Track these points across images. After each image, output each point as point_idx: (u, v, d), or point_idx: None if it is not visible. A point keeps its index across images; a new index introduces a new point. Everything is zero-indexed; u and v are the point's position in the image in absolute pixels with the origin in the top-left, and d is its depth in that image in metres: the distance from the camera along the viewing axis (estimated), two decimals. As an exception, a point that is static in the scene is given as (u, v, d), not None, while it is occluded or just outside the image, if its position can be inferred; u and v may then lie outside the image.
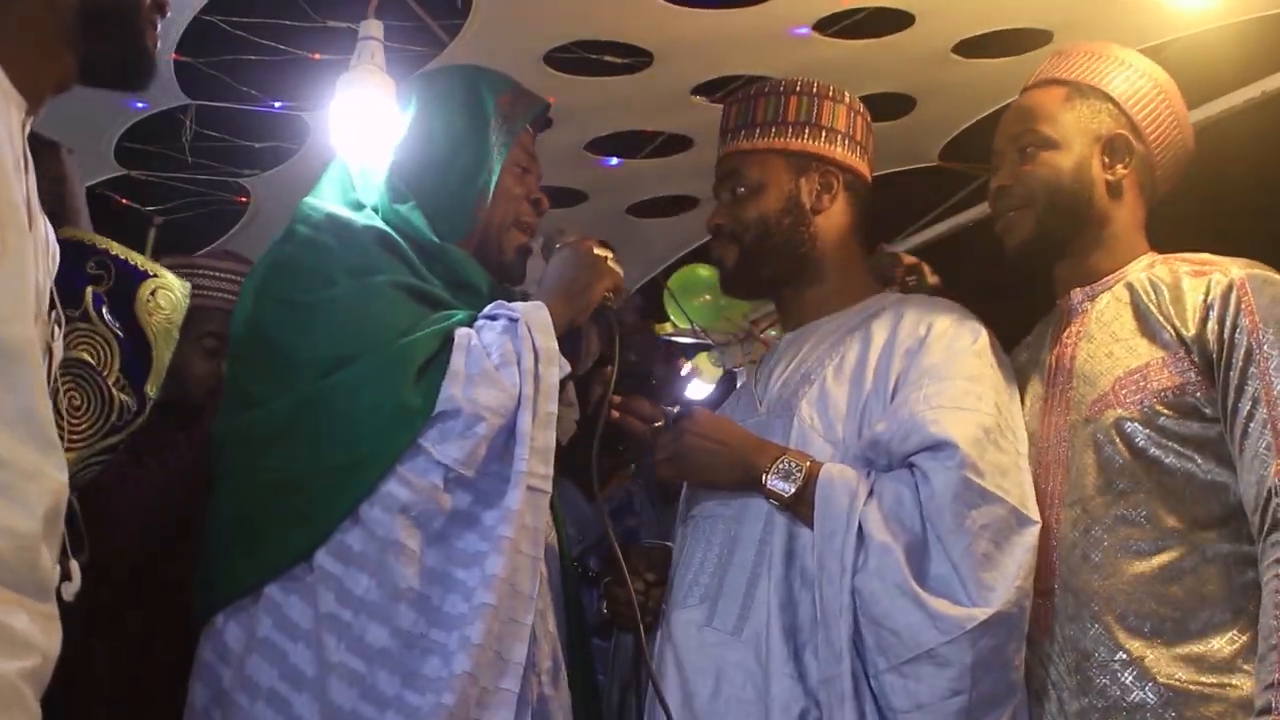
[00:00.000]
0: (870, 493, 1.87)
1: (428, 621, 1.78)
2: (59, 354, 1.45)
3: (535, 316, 1.92)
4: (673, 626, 1.97)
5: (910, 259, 2.25)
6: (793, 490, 1.91)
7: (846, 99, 2.18)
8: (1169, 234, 2.05)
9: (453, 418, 1.83)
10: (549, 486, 1.86)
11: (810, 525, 1.90)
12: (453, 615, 1.78)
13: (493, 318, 1.93)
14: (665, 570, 2.05)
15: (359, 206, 2.05)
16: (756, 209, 2.10)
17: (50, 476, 1.17)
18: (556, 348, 1.92)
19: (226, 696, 1.82)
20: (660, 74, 3.17)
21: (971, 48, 3.05)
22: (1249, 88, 3.09)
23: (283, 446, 1.86)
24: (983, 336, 2.01)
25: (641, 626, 1.97)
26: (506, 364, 1.87)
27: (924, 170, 3.74)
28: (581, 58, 3.13)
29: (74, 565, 1.32)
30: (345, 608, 1.78)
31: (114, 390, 1.61)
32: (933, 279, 2.51)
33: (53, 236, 1.41)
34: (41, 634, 1.14)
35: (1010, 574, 1.81)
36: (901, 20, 2.93)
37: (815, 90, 2.15)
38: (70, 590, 1.30)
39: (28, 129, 1.35)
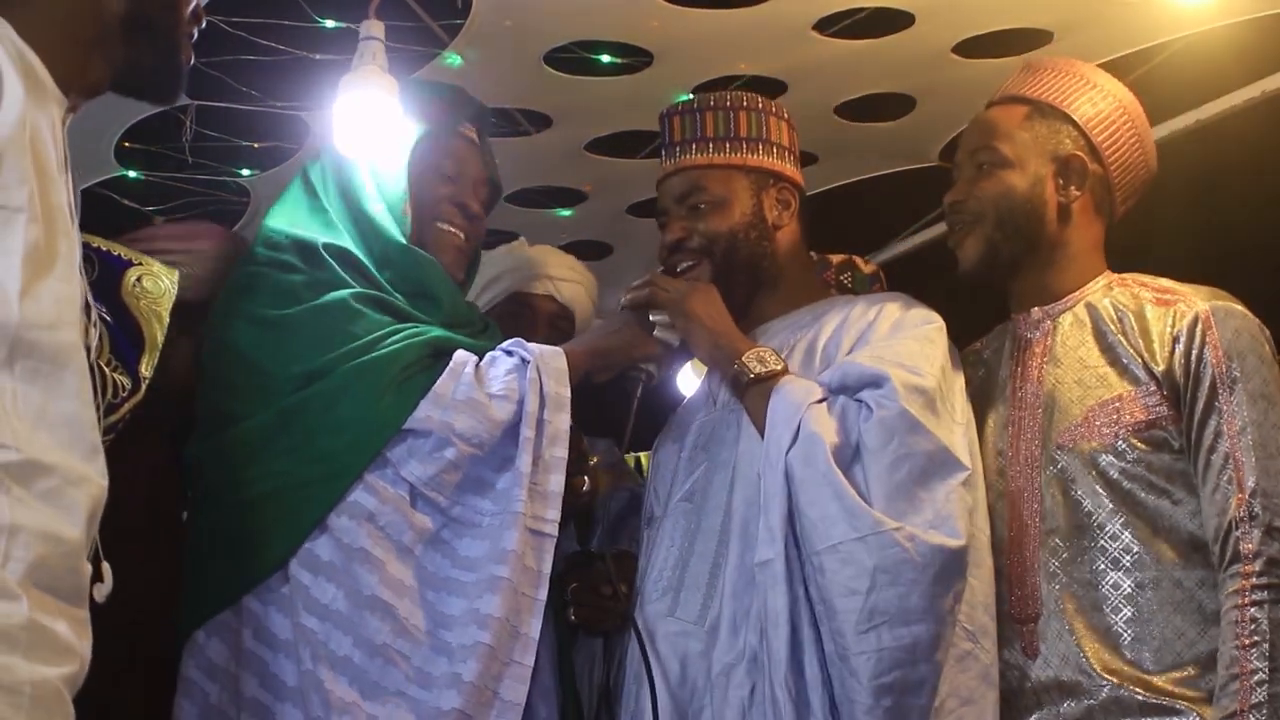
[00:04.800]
0: (823, 399, 1.92)
1: (393, 632, 1.77)
2: (93, 349, 1.46)
3: (550, 362, 1.93)
4: (640, 622, 1.99)
5: (838, 257, 2.30)
6: (761, 372, 1.96)
7: (783, 112, 2.25)
8: (1169, 234, 2.06)
9: (423, 436, 1.84)
10: (555, 530, 1.86)
11: (755, 420, 1.95)
12: (433, 644, 1.78)
13: (509, 353, 1.93)
14: (630, 576, 2.06)
15: (323, 212, 2.07)
16: (726, 223, 2.14)
17: (93, 481, 1.19)
18: (568, 395, 1.91)
19: (215, 711, 1.83)
20: (660, 74, 3.16)
21: (971, 48, 3.04)
22: (1249, 88, 3.08)
23: (260, 462, 1.87)
24: (936, 321, 2.05)
25: (625, 630, 2.00)
26: (503, 399, 1.87)
27: (924, 170, 3.73)
28: (581, 58, 3.12)
29: (105, 566, 1.33)
30: (312, 615, 1.78)
31: (108, 371, 1.62)
32: (868, 268, 2.54)
33: (78, 233, 1.42)
34: (78, 640, 1.16)
35: (926, 513, 1.81)
36: (901, 20, 2.92)
37: (760, 106, 2.22)
38: (102, 592, 1.31)
39: (66, 126, 1.35)
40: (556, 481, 1.88)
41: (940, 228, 4.02)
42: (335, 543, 1.80)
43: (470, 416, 1.84)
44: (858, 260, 2.57)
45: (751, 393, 1.97)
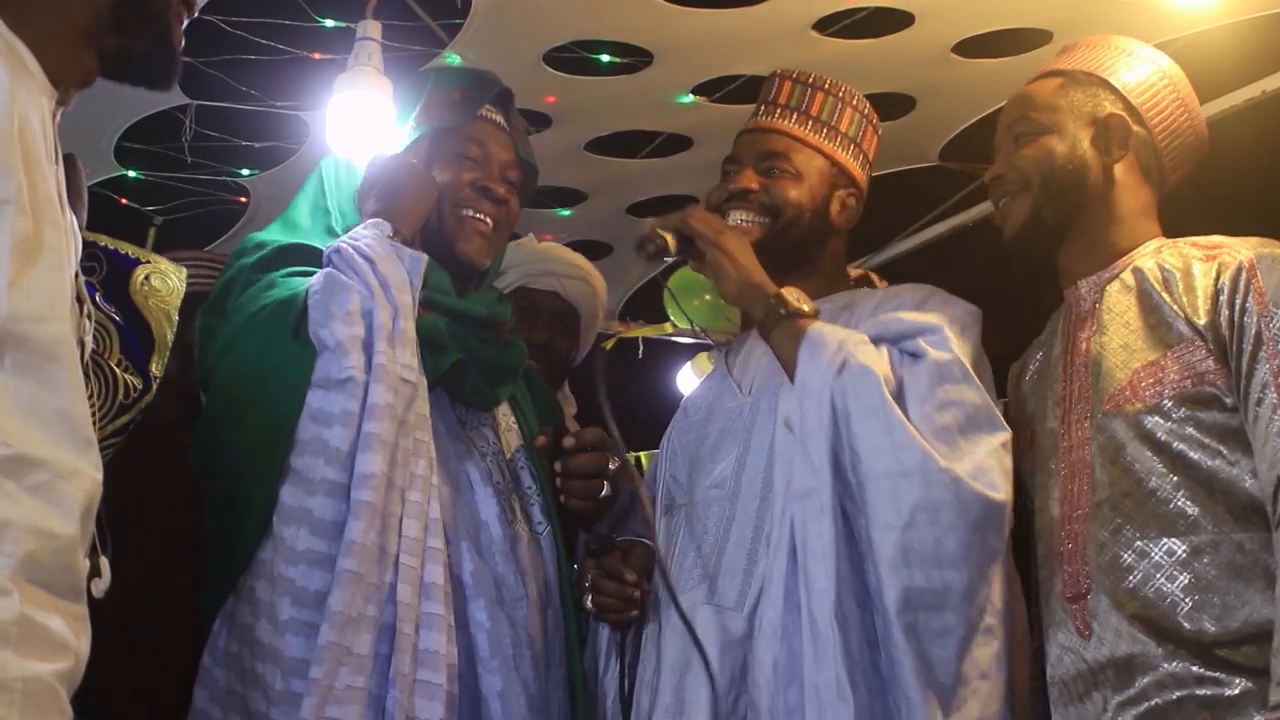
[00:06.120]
0: (864, 343, 1.93)
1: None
2: (89, 345, 1.45)
3: (359, 233, 1.96)
4: (672, 611, 1.98)
5: (856, 271, 2.31)
6: (797, 308, 1.97)
7: (879, 129, 2.29)
8: (1168, 234, 2.05)
9: (327, 338, 1.85)
10: (414, 375, 1.88)
11: (782, 355, 1.96)
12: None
13: (327, 258, 1.95)
14: (643, 567, 2.06)
15: (325, 213, 2.08)
16: (797, 193, 2.16)
17: (86, 475, 1.18)
18: (390, 250, 1.93)
19: (223, 693, 1.84)
20: (660, 74, 3.17)
21: (971, 48, 3.05)
22: (1249, 88, 3.09)
23: (216, 442, 1.89)
24: (975, 310, 2.05)
25: (643, 621, 2.02)
26: (351, 275, 1.89)
27: (924, 170, 3.73)
28: (581, 58, 3.13)
29: (104, 562, 1.32)
30: (291, 565, 1.79)
31: (118, 371, 1.62)
32: (881, 285, 2.57)
33: (77, 226, 1.41)
34: (74, 636, 1.15)
35: (966, 463, 1.81)
36: (901, 20, 2.93)
37: (866, 112, 2.27)
38: (100, 587, 1.30)
39: (58, 119, 1.34)
40: (410, 327, 1.89)
41: (940, 228, 4.04)
42: (302, 483, 1.81)
43: (341, 298, 1.86)
44: (873, 276, 2.59)
45: (783, 327, 1.96)
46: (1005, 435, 1.87)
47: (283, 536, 1.80)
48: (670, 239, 2.06)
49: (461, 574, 1.93)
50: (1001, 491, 1.81)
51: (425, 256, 1.97)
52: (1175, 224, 2.08)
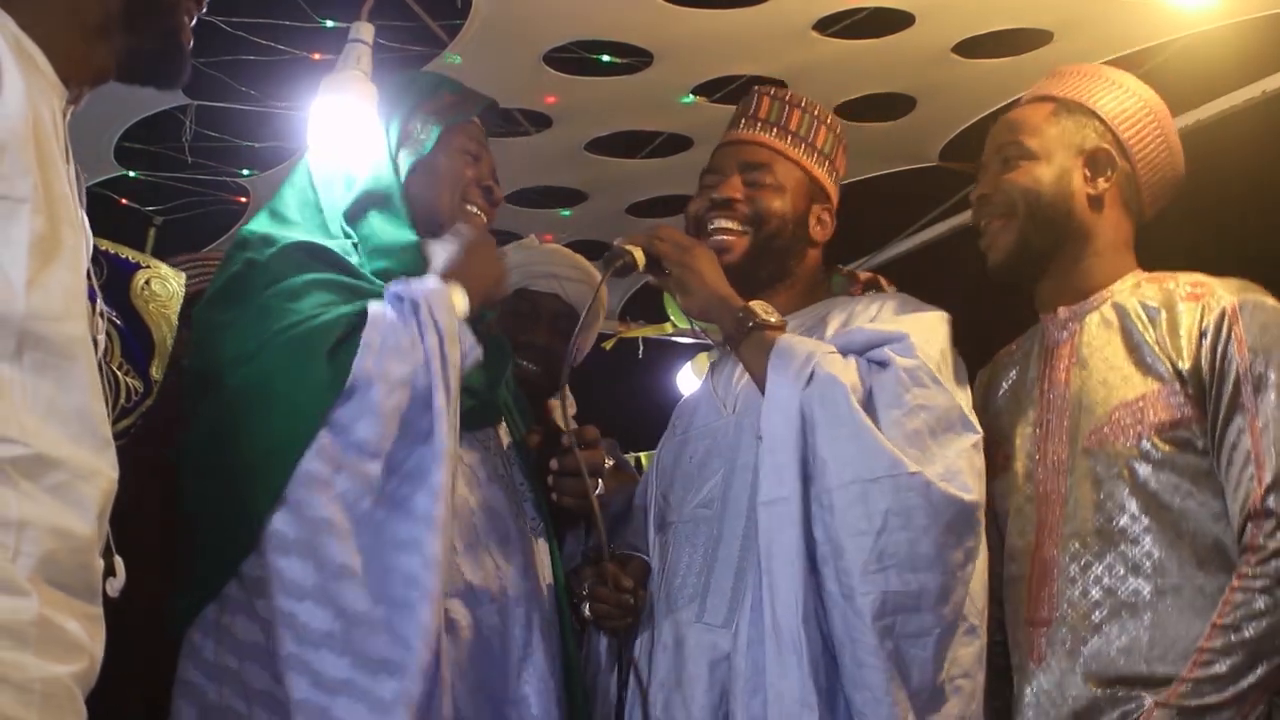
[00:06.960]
0: (833, 352, 1.94)
1: (372, 600, 1.77)
2: (101, 344, 1.45)
3: (437, 296, 1.94)
4: (663, 628, 2.00)
5: (866, 274, 2.31)
6: (765, 320, 1.98)
7: (846, 144, 2.31)
8: (1169, 235, 2.06)
9: (365, 391, 1.83)
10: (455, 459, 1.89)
11: (751, 366, 1.98)
12: (400, 599, 1.78)
13: (399, 297, 1.93)
14: (640, 578, 2.07)
15: (316, 211, 2.08)
16: (780, 203, 2.17)
17: (104, 475, 1.18)
18: (457, 328, 1.93)
19: (215, 709, 1.81)
20: (660, 74, 3.17)
21: (971, 48, 3.05)
22: (1249, 88, 3.09)
23: (212, 450, 1.86)
24: (943, 314, 2.06)
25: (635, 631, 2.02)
26: (413, 339, 1.88)
27: (924, 170, 3.74)
28: (581, 58, 3.13)
29: (118, 561, 1.31)
30: (289, 598, 1.77)
31: (119, 375, 1.62)
32: (889, 289, 2.57)
33: (87, 223, 1.40)
34: (89, 637, 1.15)
35: (937, 466, 1.82)
36: (901, 20, 2.93)
37: (839, 131, 2.29)
38: (115, 586, 1.29)
39: (69, 118, 1.34)
40: (456, 413, 1.90)
41: (940, 228, 4.04)
42: (299, 517, 1.79)
43: (399, 361, 1.85)
44: (882, 281, 2.60)
45: (752, 339, 1.98)
46: (976, 436, 1.89)
47: (275, 564, 1.77)
48: (639, 255, 2.06)
49: (472, 577, 1.93)
50: (973, 492, 1.83)
51: (481, 350, 1.97)
52: (1175, 225, 2.09)
